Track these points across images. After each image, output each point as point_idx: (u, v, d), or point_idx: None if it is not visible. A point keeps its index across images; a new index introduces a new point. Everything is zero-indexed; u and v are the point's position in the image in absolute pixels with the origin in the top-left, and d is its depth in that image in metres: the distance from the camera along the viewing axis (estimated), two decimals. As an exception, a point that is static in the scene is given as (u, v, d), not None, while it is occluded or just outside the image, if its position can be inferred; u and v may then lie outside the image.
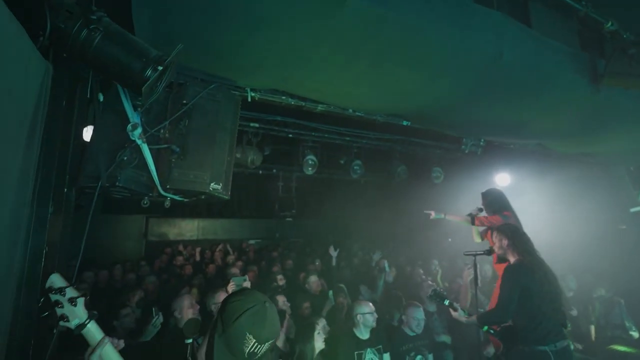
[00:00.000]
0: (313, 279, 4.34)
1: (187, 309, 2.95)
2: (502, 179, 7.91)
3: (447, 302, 3.07)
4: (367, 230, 10.42)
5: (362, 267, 6.15)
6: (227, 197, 2.20)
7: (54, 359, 1.42)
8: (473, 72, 2.40)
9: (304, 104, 2.83)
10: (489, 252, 2.82)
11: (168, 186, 1.98)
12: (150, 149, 1.88)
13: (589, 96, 2.86)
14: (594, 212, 5.53)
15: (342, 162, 7.10)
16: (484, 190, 3.61)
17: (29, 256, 1.40)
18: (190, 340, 1.46)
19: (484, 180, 8.06)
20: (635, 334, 4.76)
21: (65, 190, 1.59)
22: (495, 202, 3.44)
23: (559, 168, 5.75)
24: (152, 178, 1.92)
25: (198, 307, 3.09)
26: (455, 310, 2.96)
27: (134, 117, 1.80)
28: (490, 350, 3.51)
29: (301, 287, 4.66)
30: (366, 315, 3.00)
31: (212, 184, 2.04)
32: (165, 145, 1.94)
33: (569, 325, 2.40)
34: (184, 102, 2.03)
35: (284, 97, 2.73)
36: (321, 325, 2.83)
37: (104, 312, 2.93)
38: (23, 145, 1.30)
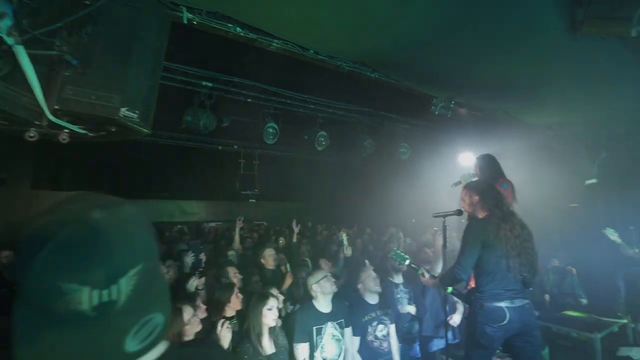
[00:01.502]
0: (268, 252, 3.96)
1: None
2: (466, 159, 7.97)
3: (408, 262, 2.83)
4: (333, 210, 10.18)
5: (326, 245, 5.86)
6: (146, 131, 1.72)
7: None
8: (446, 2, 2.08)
9: (255, 37, 2.37)
10: (459, 212, 2.60)
11: (57, 107, 1.45)
12: (32, 56, 1.35)
13: (567, 46, 2.68)
14: (552, 187, 5.61)
15: (306, 137, 6.69)
16: (478, 156, 3.36)
17: None
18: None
19: (450, 157, 8.08)
20: (584, 301, 4.95)
21: None
22: (489, 168, 3.20)
23: (520, 142, 5.78)
24: (36, 98, 1.40)
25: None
26: (417, 271, 2.74)
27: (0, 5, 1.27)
28: (457, 319, 3.37)
29: (256, 262, 4.29)
30: (321, 281, 2.69)
31: (124, 110, 1.54)
32: (55, 53, 1.41)
33: (531, 285, 2.23)
34: (86, 1, 1.50)
35: (230, 25, 2.24)
36: (274, 301, 2.45)
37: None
38: None
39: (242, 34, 2.32)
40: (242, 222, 4.91)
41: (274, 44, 2.46)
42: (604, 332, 3.76)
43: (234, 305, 2.73)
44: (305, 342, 2.55)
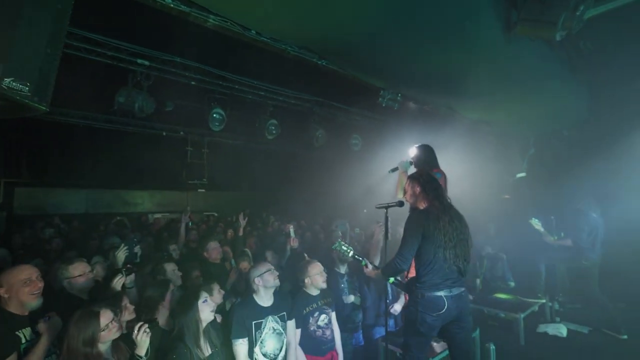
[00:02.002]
0: (212, 245, 3.76)
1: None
2: (411, 152, 8.29)
3: (351, 254, 2.84)
4: (286, 201, 10.04)
5: (275, 236, 5.74)
6: (43, 108, 1.45)
7: None
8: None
9: (188, 10, 2.13)
10: (401, 203, 2.64)
11: None
12: None
13: (502, 46, 2.81)
14: (487, 179, 6.02)
15: (257, 125, 6.45)
16: (416, 145, 3.43)
17: None
18: None
19: (400, 150, 8.35)
20: (512, 284, 5.44)
21: None
22: (425, 158, 3.28)
23: (461, 137, 6.12)
24: None
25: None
26: (360, 262, 2.75)
27: None
28: (397, 307, 3.47)
29: (200, 256, 4.06)
30: (264, 275, 2.59)
31: (8, 81, 1.27)
32: None
33: (466, 273, 2.34)
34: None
35: (157, -6, 1.99)
36: (209, 293, 2.32)
37: None
38: None
39: (172, 6, 2.07)
40: (189, 216, 4.52)
41: (211, 20, 2.23)
42: (526, 312, 4.15)
43: (169, 304, 2.53)
44: (244, 337, 2.44)
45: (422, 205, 2.41)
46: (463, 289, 2.32)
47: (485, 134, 5.82)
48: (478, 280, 5.44)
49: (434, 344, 3.10)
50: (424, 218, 2.29)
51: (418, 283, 2.34)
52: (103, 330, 1.81)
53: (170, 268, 3.05)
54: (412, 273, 2.54)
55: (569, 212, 4.64)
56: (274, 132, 5.85)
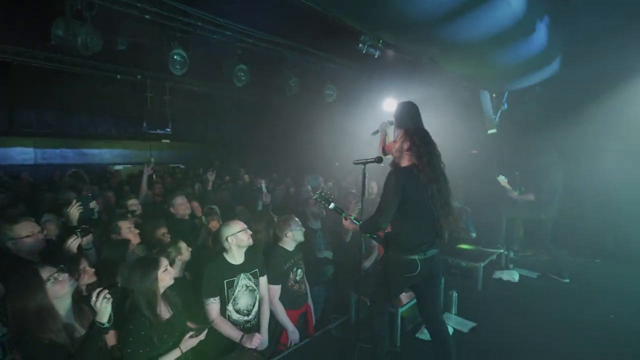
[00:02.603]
0: (179, 200, 3.55)
1: None
2: (390, 105, 8.12)
3: (333, 206, 2.78)
4: (255, 152, 9.72)
5: (246, 191, 5.57)
6: None
7: None
8: None
9: None
10: (379, 159, 2.54)
11: None
12: None
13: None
14: (459, 134, 6.06)
15: (223, 70, 5.89)
16: (400, 103, 3.26)
17: None
18: None
19: (375, 102, 8.14)
20: (473, 235, 5.78)
21: None
22: (407, 116, 3.11)
23: (439, 91, 6.00)
24: None
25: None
26: (340, 214, 2.70)
27: None
28: (367, 264, 3.55)
29: (166, 212, 3.85)
30: (238, 234, 2.49)
31: None
32: None
33: (446, 235, 2.35)
34: None
35: None
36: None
37: None
38: None
39: None
40: (152, 167, 4.16)
41: None
42: (486, 261, 4.44)
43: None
44: (216, 296, 2.39)
45: (406, 162, 2.30)
46: (437, 250, 2.33)
47: (462, 89, 5.72)
48: (446, 234, 5.73)
49: (401, 295, 3.26)
50: (407, 177, 2.19)
51: (394, 244, 2.32)
52: (48, 282, 1.62)
53: (125, 226, 2.83)
54: (389, 228, 2.51)
55: (533, 168, 4.84)
56: (243, 78, 5.39)
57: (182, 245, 2.77)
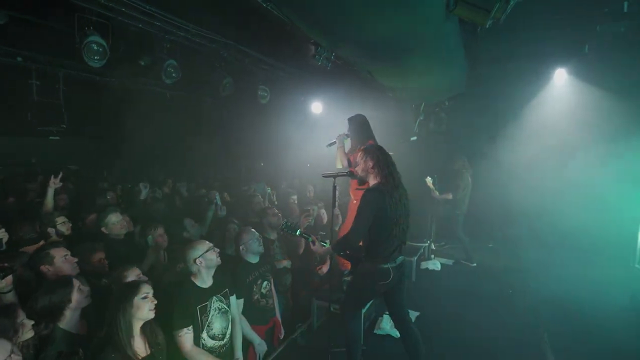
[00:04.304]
0: (113, 218, 3.06)
1: None
2: (316, 108, 8.37)
3: (298, 233, 2.83)
4: (180, 156, 8.78)
5: (193, 202, 5.04)
6: None
7: None
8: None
9: None
10: (351, 174, 2.67)
11: None
12: None
13: (439, 23, 2.94)
14: (389, 143, 6.66)
15: (142, 63, 5.20)
16: (350, 117, 3.44)
17: None
18: None
19: (306, 105, 8.28)
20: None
21: None
22: (360, 130, 3.33)
23: (367, 99, 6.48)
24: None
25: None
26: (306, 239, 2.76)
27: None
28: (325, 269, 3.67)
29: (91, 232, 3.28)
30: (206, 254, 2.32)
31: None
32: None
33: (406, 242, 2.61)
34: None
35: None
36: (148, 286, 1.92)
37: None
38: None
39: None
40: (57, 180, 3.38)
41: None
42: (417, 255, 5.04)
43: (77, 304, 1.99)
44: (188, 325, 2.18)
45: (373, 181, 2.48)
46: (403, 257, 2.57)
47: (389, 99, 6.29)
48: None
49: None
50: (379, 197, 2.35)
51: (367, 256, 2.48)
52: None
53: (59, 255, 2.34)
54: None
55: (449, 171, 5.67)
56: (173, 75, 4.87)
57: (135, 271, 2.44)
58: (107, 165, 8.83)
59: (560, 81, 6.00)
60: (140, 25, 4.38)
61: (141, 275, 2.40)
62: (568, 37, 5.06)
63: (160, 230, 3.09)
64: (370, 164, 2.47)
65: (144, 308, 1.81)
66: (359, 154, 2.54)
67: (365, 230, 2.37)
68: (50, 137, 8.90)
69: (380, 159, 2.47)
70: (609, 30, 4.54)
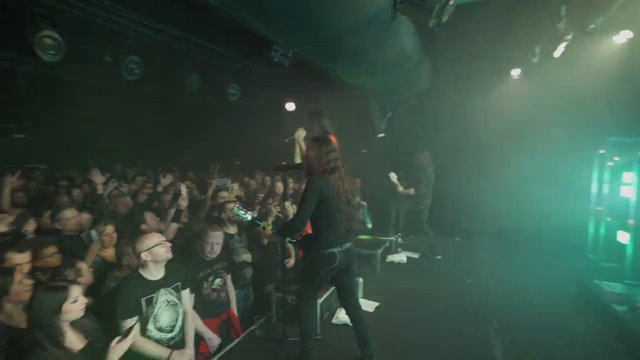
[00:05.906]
0: (68, 214, 3.03)
1: None
2: (290, 106, 8.43)
3: (250, 218, 2.89)
4: (146, 149, 8.64)
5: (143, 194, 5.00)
6: None
7: None
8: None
9: None
10: (300, 165, 2.75)
11: None
12: None
13: (387, 23, 3.06)
14: (354, 139, 6.80)
15: (108, 59, 5.12)
16: (309, 112, 3.54)
17: None
18: None
19: (277, 103, 8.31)
20: (369, 226, 6.59)
21: None
22: (319, 125, 3.42)
23: (334, 97, 6.60)
24: None
25: None
26: (258, 225, 2.84)
27: None
28: (292, 262, 3.74)
29: (47, 229, 3.24)
30: (153, 249, 2.32)
31: None
32: None
33: (352, 230, 2.71)
34: None
35: None
36: (77, 288, 1.87)
37: None
38: None
39: None
40: (14, 179, 3.30)
41: None
42: (382, 248, 5.18)
43: (17, 296, 1.98)
44: (133, 317, 2.20)
45: (319, 169, 2.57)
46: (350, 243, 2.68)
47: (355, 97, 6.42)
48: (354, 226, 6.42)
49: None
50: (322, 183, 2.46)
51: (314, 241, 2.58)
52: None
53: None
54: (305, 231, 2.75)
55: (413, 166, 5.85)
56: (135, 72, 4.82)
57: (82, 265, 2.44)
58: (78, 164, 8.58)
59: (517, 79, 6.35)
60: (97, 20, 4.33)
61: (89, 268, 2.40)
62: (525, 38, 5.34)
63: (109, 229, 3.03)
64: (316, 153, 2.56)
65: (75, 310, 1.78)
66: (307, 145, 2.63)
67: (308, 214, 2.47)
68: (14, 135, 8.60)
69: (328, 152, 2.56)
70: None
